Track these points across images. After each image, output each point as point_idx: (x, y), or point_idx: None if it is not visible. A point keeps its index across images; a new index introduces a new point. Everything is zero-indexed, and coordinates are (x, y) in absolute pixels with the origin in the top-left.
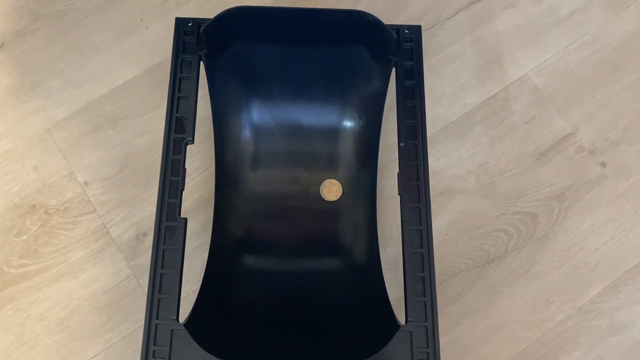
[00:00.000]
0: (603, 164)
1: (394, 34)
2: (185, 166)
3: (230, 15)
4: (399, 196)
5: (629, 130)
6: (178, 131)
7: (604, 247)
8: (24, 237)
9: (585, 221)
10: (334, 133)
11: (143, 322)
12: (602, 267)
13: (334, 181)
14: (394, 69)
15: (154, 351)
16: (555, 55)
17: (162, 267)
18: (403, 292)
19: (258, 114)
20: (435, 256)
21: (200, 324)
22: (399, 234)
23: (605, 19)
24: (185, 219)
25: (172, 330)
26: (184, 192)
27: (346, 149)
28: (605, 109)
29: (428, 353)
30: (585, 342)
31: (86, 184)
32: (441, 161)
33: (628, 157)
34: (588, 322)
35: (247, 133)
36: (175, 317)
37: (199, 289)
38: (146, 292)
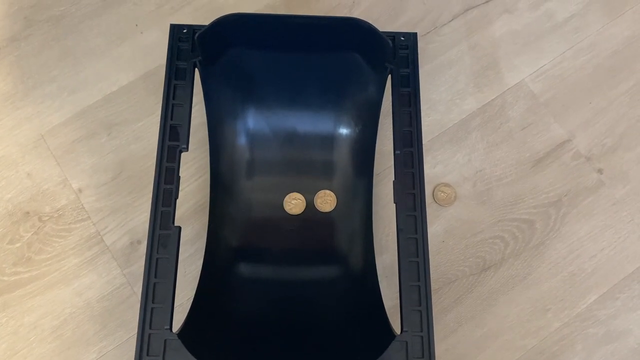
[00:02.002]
0: (600, 171)
1: (390, 41)
2: (180, 173)
3: (226, 22)
4: (394, 204)
5: (626, 136)
6: (172, 139)
7: (601, 254)
8: (18, 245)
9: (582, 228)
10: (329, 140)
11: (137, 331)
12: (599, 275)
13: (327, 192)
14: (389, 76)
15: None
16: (552, 61)
17: (155, 276)
18: (398, 299)
19: (253, 121)
20: (431, 263)
21: (194, 333)
22: (394, 241)
23: (602, 25)
24: (179, 228)
25: (165, 340)
26: (178, 200)
27: (342, 156)
28: (602, 116)
29: None
30: (582, 349)
31: (80, 190)
32: (437, 168)
33: (625, 163)
34: (585, 330)
35: (242, 140)
36: (168, 327)
37: (193, 297)
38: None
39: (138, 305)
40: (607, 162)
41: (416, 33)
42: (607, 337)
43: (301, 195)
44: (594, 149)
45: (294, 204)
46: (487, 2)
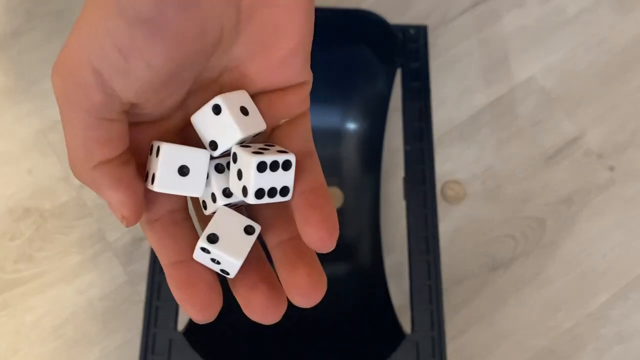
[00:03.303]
0: (611, 168)
1: (400, 34)
2: None
3: None
4: (403, 201)
5: (638, 133)
6: None
7: (612, 253)
8: (18, 242)
9: (593, 226)
10: (336, 135)
11: (140, 330)
12: (611, 274)
13: (334, 189)
14: (399, 70)
15: None
16: (562, 56)
17: (160, 273)
18: (407, 299)
19: None
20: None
21: (199, 331)
22: (403, 239)
23: (613, 20)
24: None
25: (170, 339)
26: None
27: (349, 152)
28: (614, 112)
29: None
30: (593, 349)
31: (82, 187)
32: (446, 165)
33: (637, 160)
34: (596, 330)
35: None
36: (173, 326)
37: None
38: (144, 298)
39: (141, 304)
40: (619, 159)
41: (426, 26)
42: (619, 337)
43: None
44: (605, 146)
45: None
46: None
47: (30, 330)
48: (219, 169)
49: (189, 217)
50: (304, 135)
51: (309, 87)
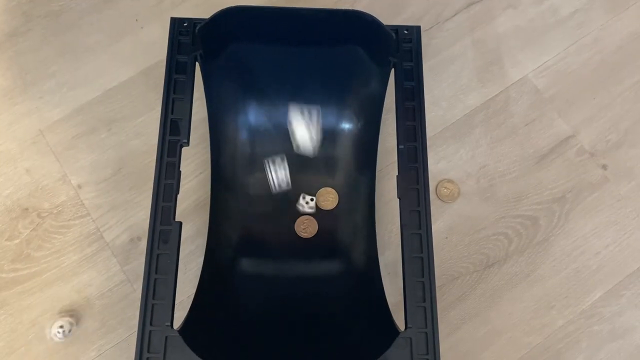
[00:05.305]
0: (604, 167)
1: (393, 34)
2: (181, 169)
3: (227, 16)
4: (397, 199)
5: (630, 132)
6: (173, 133)
7: (606, 251)
8: (17, 241)
9: (586, 224)
10: (331, 135)
11: (137, 328)
12: (604, 271)
13: (329, 189)
14: (392, 70)
15: (147, 358)
16: (555, 56)
17: (156, 272)
18: (401, 297)
19: (254, 116)
20: (434, 260)
21: (195, 330)
22: (397, 238)
23: (606, 20)
24: (180, 223)
25: (166, 337)
26: (178, 196)
27: (344, 151)
28: (607, 111)
29: (428, 359)
30: (587, 347)
31: (80, 187)
32: (440, 164)
33: (629, 159)
34: (590, 327)
35: (243, 135)
36: (169, 324)
37: (193, 294)
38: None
39: (138, 303)
40: (612, 158)
41: (419, 26)
42: (612, 334)
43: (313, 219)
44: (598, 145)
45: (305, 225)
46: None
47: (27, 329)
48: None
49: None
50: None
51: None
